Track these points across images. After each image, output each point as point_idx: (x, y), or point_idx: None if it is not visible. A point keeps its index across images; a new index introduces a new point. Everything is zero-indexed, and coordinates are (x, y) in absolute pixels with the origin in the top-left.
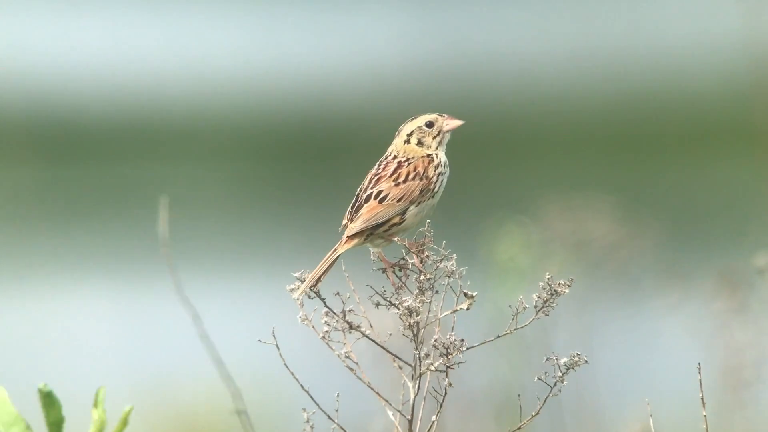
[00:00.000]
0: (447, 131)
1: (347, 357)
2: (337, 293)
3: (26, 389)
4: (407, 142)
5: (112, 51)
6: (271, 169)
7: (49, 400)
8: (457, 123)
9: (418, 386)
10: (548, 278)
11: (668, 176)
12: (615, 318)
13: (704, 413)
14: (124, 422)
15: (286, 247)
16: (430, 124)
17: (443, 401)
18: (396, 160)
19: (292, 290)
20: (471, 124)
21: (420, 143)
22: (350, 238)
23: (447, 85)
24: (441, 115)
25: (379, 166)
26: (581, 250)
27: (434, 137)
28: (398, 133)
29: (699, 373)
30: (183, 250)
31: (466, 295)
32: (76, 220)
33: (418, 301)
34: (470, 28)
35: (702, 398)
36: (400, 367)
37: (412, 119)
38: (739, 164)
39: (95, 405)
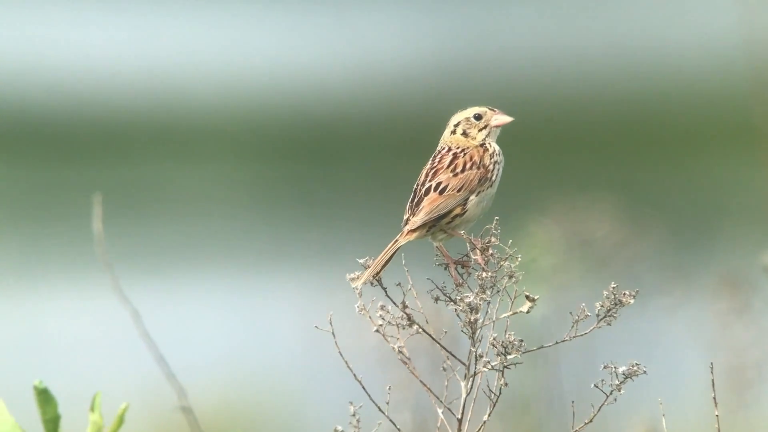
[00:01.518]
0: (495, 126)
1: (400, 352)
2: (399, 284)
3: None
4: (453, 132)
5: (124, 52)
6: (283, 169)
7: (44, 397)
8: (506, 120)
9: (471, 385)
10: (613, 288)
11: (671, 176)
12: (618, 317)
13: (717, 413)
14: (120, 421)
15: (303, 245)
16: (478, 117)
17: (496, 401)
18: (451, 152)
19: (352, 279)
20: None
21: (465, 134)
22: (412, 231)
23: (454, 85)
24: (492, 109)
25: (434, 160)
26: (585, 249)
27: (480, 130)
28: (448, 124)
29: (711, 373)
30: (188, 248)
31: (527, 297)
32: (83, 220)
33: (479, 298)
34: (476, 32)
35: (714, 398)
36: (444, 369)
37: (463, 110)
38: (741, 164)
39: (92, 409)
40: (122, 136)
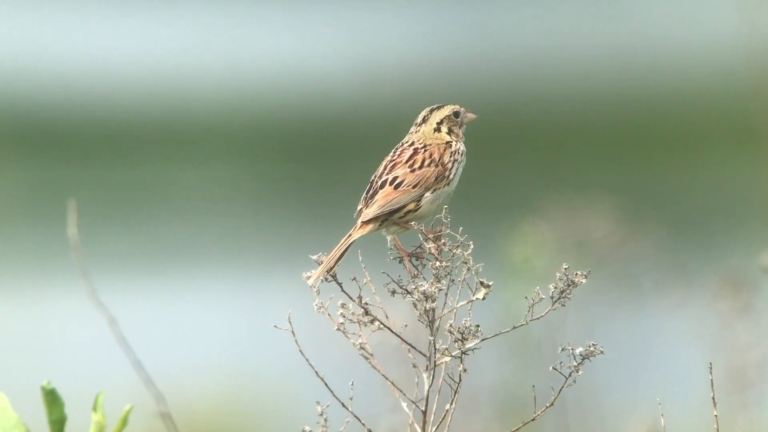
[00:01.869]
0: (466, 123)
1: (362, 348)
2: (354, 278)
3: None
4: (437, 130)
5: (124, 51)
6: (281, 168)
7: (51, 397)
8: (472, 116)
9: (433, 377)
10: (565, 269)
11: (671, 176)
12: (618, 318)
13: (715, 413)
14: (124, 422)
15: (284, 243)
16: (457, 114)
17: (458, 388)
18: (412, 147)
19: (308, 277)
20: (471, 125)
21: (450, 132)
22: (365, 223)
23: (451, 84)
24: (462, 107)
25: (394, 152)
26: (584, 250)
27: (459, 127)
28: (423, 120)
29: (710, 372)
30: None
31: (482, 284)
32: (85, 220)
33: (433, 287)
34: (477, 32)
35: (713, 398)
36: (414, 365)
37: (438, 108)
38: (741, 163)
39: (94, 408)
40: (121, 136)
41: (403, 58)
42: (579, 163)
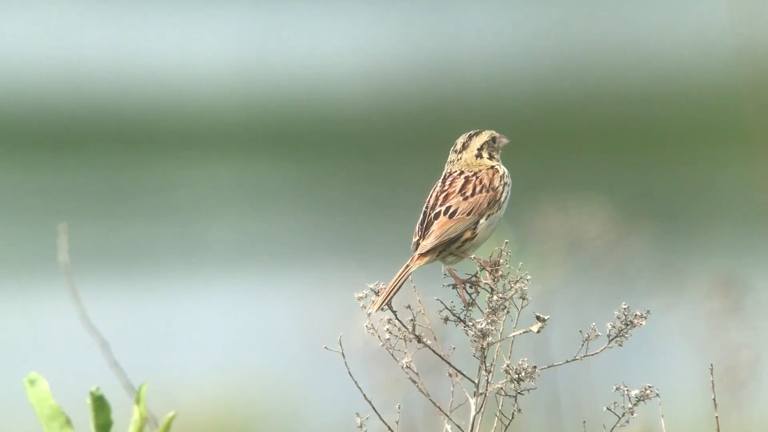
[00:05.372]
0: (501, 147)
1: (409, 368)
2: (408, 306)
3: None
4: (479, 156)
5: (123, 51)
6: (282, 169)
7: (99, 403)
8: (505, 141)
9: (483, 404)
10: (624, 308)
11: (663, 176)
12: (609, 318)
13: (716, 414)
14: (167, 428)
15: (304, 244)
16: (494, 140)
17: (509, 424)
18: (463, 176)
19: (360, 298)
20: (471, 124)
21: (491, 157)
22: (422, 255)
23: (455, 84)
24: (495, 132)
25: (444, 182)
26: (576, 249)
27: (498, 151)
28: (463, 147)
29: (711, 374)
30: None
31: (538, 318)
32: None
33: (489, 322)
34: (475, 31)
35: (714, 399)
36: (453, 386)
37: (477, 133)
38: (734, 163)
39: (137, 402)
40: (116, 137)
41: (407, 56)
42: (571, 162)
